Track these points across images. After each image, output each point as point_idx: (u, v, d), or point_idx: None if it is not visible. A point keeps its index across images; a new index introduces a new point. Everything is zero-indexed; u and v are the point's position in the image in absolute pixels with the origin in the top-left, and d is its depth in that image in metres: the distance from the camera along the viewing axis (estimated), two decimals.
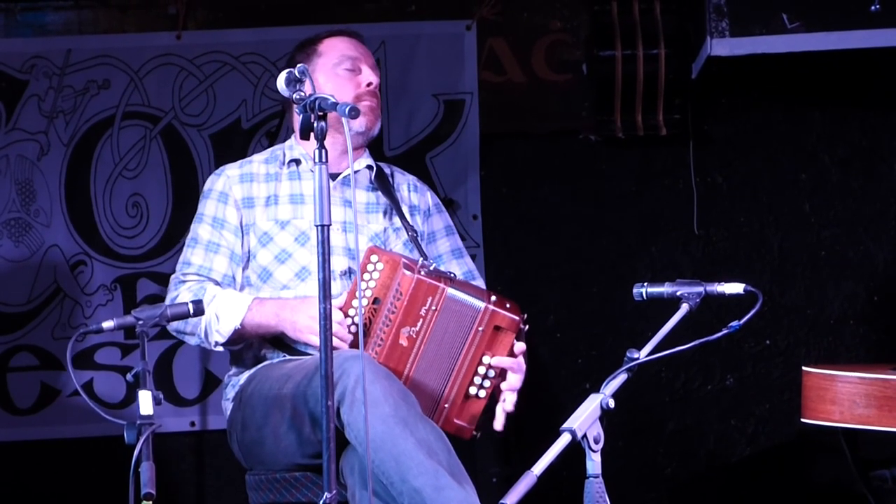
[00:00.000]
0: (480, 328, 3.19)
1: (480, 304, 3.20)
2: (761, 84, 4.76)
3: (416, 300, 3.16)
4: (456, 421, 3.20)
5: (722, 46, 4.31)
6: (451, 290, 3.18)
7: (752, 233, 4.82)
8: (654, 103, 4.66)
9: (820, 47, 4.30)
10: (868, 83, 4.73)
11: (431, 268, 3.22)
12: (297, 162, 3.51)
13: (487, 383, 3.22)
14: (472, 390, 3.21)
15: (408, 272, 3.16)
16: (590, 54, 4.71)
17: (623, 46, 4.62)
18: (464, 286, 3.26)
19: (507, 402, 3.25)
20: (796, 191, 4.82)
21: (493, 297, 3.22)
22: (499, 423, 3.27)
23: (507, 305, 3.23)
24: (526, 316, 3.25)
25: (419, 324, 3.16)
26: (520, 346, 3.25)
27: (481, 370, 3.22)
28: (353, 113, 2.71)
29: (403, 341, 3.17)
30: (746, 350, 4.79)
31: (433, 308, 3.17)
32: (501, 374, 3.25)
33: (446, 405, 3.19)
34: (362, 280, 3.18)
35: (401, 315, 3.15)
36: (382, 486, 2.91)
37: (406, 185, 3.62)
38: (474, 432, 3.22)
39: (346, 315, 3.20)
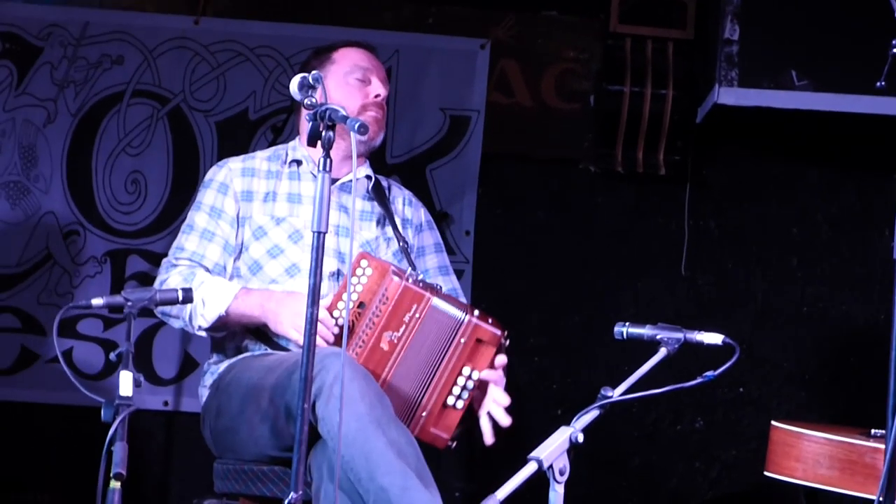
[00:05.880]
0: (462, 339, 3.24)
1: (464, 316, 3.24)
2: (763, 136, 4.80)
3: (400, 306, 3.20)
4: (432, 430, 3.23)
5: (729, 96, 4.35)
6: (435, 300, 3.23)
7: (738, 280, 4.86)
8: (657, 142, 4.71)
9: (826, 108, 4.33)
10: (868, 147, 4.76)
11: (419, 277, 3.28)
12: (299, 163, 3.55)
13: (466, 394, 3.26)
14: (451, 400, 3.25)
15: (396, 278, 3.21)
16: (599, 87, 4.76)
17: (632, 83, 4.67)
18: (448, 299, 3.30)
19: (500, 417, 3.28)
20: (786, 244, 4.86)
21: (476, 311, 3.27)
22: (489, 437, 3.30)
23: (490, 320, 3.27)
24: (507, 332, 3.29)
25: (401, 330, 3.21)
26: (501, 360, 3.29)
27: (461, 381, 3.25)
28: (362, 130, 2.74)
29: (384, 345, 3.21)
30: (719, 395, 4.82)
31: (417, 316, 3.21)
32: (481, 385, 3.29)
33: (423, 413, 3.23)
34: (350, 283, 3.22)
35: (384, 319, 3.20)
36: (349, 482, 2.95)
37: (401, 199, 3.66)
38: (449, 442, 3.25)
39: (331, 316, 3.24)
